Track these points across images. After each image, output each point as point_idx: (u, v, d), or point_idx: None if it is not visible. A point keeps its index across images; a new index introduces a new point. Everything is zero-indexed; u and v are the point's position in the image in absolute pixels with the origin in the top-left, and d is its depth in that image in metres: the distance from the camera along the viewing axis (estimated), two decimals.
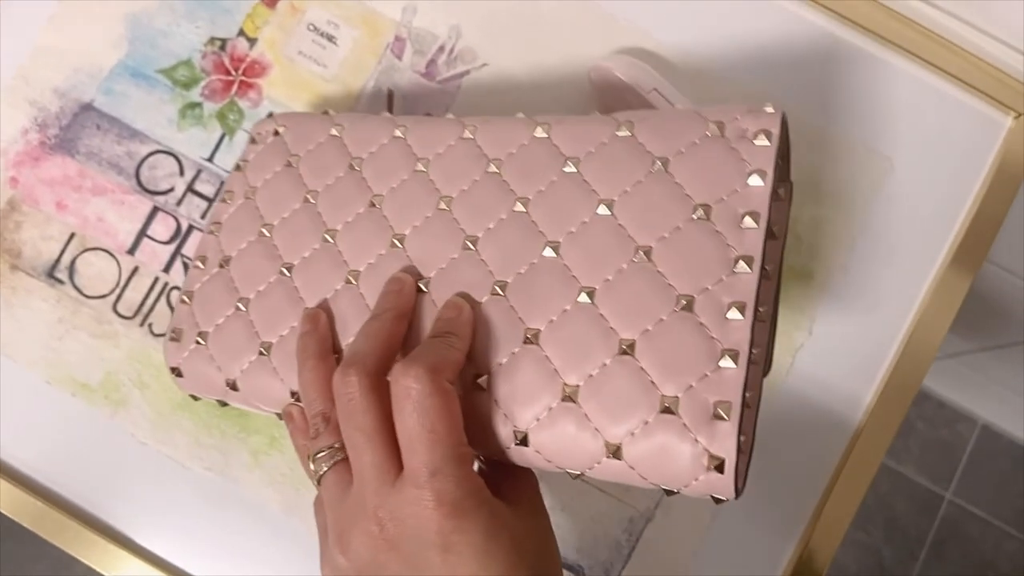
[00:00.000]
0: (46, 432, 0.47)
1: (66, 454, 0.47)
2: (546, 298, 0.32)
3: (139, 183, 0.48)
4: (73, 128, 0.49)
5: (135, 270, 0.48)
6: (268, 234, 0.40)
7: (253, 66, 0.49)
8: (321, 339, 0.34)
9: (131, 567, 0.45)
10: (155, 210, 0.48)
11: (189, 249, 0.48)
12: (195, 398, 0.41)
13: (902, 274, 0.47)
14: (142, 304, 0.47)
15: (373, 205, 0.38)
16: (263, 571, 0.46)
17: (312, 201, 0.39)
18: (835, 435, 0.46)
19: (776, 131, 0.32)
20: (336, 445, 0.32)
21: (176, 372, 0.39)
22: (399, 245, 0.36)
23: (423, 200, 0.37)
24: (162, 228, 0.48)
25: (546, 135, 0.36)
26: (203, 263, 0.41)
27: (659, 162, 0.33)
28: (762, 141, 0.32)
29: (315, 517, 0.34)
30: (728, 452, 0.28)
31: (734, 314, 0.30)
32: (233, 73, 0.49)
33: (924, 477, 1.16)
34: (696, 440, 0.28)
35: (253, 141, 0.44)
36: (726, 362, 0.29)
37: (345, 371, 0.31)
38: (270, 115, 0.45)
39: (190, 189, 0.48)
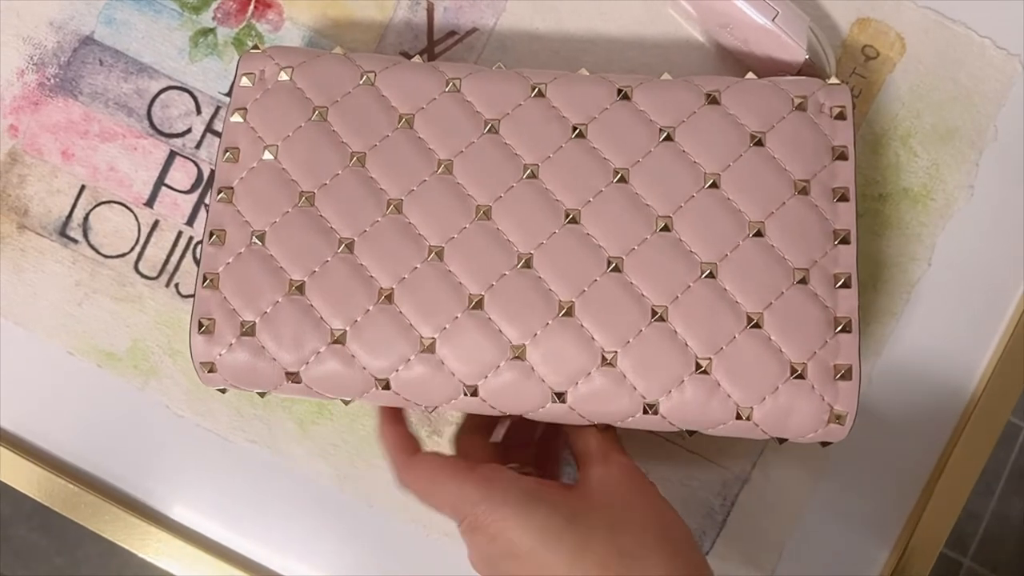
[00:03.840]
0: (73, 407, 0.42)
1: (97, 431, 0.42)
2: (666, 275, 0.33)
3: (152, 125, 0.43)
4: (74, 65, 0.43)
5: (155, 224, 0.42)
6: (310, 203, 0.35)
7: None
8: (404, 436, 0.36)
9: (174, 550, 0.41)
10: (172, 155, 0.43)
11: None
12: (222, 391, 0.36)
13: None
14: (166, 262, 0.42)
15: (440, 170, 0.35)
16: (316, 548, 0.42)
17: (361, 164, 0.35)
18: (958, 382, 0.40)
19: (850, 106, 0.35)
20: None
21: (209, 368, 0.35)
22: (486, 217, 0.34)
23: (503, 167, 0.35)
24: (182, 175, 0.42)
25: (628, 98, 0.35)
26: (222, 238, 0.35)
27: (757, 136, 0.34)
28: (839, 117, 0.35)
29: None
30: (851, 408, 0.32)
31: (842, 284, 0.33)
32: None
33: None
34: (823, 398, 0.32)
35: (244, 81, 0.37)
36: (842, 329, 0.32)
37: None
38: (255, 47, 0.38)
39: (209, 129, 0.43)
